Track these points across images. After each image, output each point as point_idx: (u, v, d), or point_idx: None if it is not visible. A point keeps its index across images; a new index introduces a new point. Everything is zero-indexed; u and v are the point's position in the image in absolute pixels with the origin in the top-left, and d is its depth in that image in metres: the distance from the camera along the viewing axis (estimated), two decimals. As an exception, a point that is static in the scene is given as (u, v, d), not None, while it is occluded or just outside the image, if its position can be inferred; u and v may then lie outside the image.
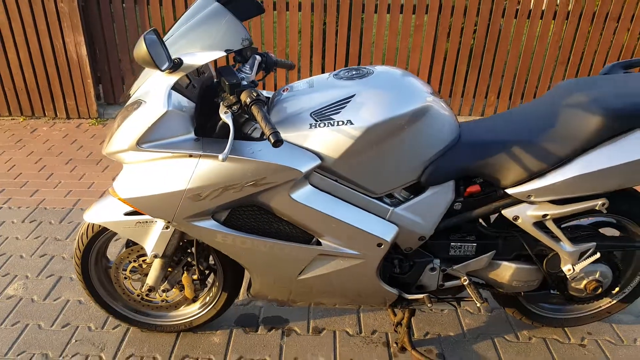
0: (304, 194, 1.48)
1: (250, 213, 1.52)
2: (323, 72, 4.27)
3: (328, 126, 1.42)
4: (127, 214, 1.65)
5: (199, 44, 1.38)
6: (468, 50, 4.12)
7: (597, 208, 1.60)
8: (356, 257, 1.59)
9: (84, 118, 4.22)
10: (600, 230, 1.86)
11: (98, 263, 1.87)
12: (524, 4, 3.96)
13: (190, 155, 1.40)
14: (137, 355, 1.90)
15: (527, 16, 4.00)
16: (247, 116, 1.46)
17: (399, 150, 1.49)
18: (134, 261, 1.80)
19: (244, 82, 1.35)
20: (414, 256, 1.70)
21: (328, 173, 1.49)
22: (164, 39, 1.43)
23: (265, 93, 1.71)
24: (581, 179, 1.52)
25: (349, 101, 1.44)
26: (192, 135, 1.42)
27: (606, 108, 1.49)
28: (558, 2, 3.96)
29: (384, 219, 1.57)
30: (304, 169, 1.41)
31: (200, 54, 1.35)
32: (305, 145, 1.44)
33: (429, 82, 4.29)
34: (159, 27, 3.99)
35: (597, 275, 1.77)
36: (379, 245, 1.56)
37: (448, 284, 1.76)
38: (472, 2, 3.92)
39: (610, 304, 1.99)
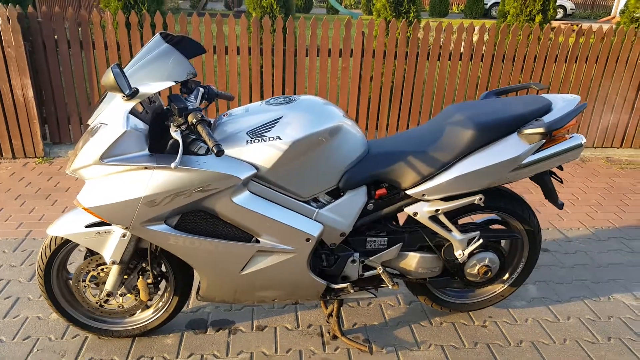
0: (244, 198, 1.80)
1: (198, 217, 1.82)
2: (261, 109, 4.63)
3: (261, 142, 1.77)
4: (87, 225, 1.90)
5: (152, 77, 1.70)
6: (389, 89, 4.66)
7: (476, 202, 2.03)
8: (289, 252, 1.91)
9: (30, 157, 4.32)
10: (491, 227, 2.30)
11: (59, 274, 2.06)
12: (434, 48, 4.58)
13: (146, 167, 1.69)
14: (97, 358, 2.09)
15: (437, 58, 4.61)
16: (193, 137, 1.79)
17: (319, 161, 1.86)
18: (93, 270, 2.02)
19: (190, 107, 1.68)
20: (337, 251, 2.05)
21: (263, 181, 1.83)
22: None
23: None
24: (460, 179, 1.94)
25: (277, 122, 1.81)
26: (146, 151, 1.71)
27: (477, 123, 1.95)
28: (462, 46, 4.62)
29: (311, 218, 1.92)
30: (243, 176, 1.74)
31: (153, 84, 1.67)
32: (243, 158, 1.78)
33: (356, 117, 4.77)
34: (104, 70, 4.24)
35: (486, 261, 2.18)
36: (308, 240, 1.90)
37: (367, 273, 2.11)
38: (390, 47, 4.48)
39: (503, 289, 2.41)
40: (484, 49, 4.62)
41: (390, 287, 2.09)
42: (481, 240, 2.10)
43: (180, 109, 1.65)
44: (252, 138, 1.78)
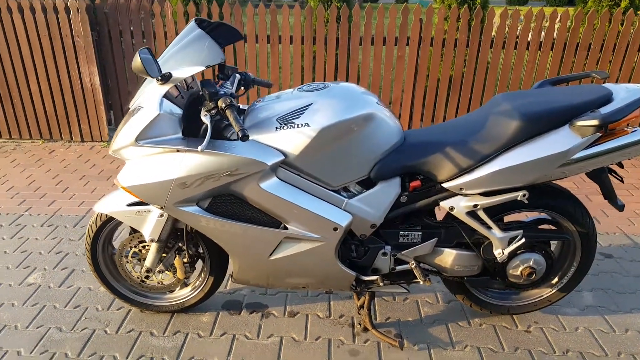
0: (271, 184, 1.81)
1: (228, 201, 1.85)
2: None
3: (290, 128, 1.77)
4: (129, 204, 1.99)
5: (185, 61, 1.74)
6: (447, 79, 4.48)
7: (518, 199, 1.88)
8: (317, 240, 1.90)
9: (96, 141, 4.65)
10: (540, 227, 2.14)
11: (105, 249, 2.20)
12: (498, 36, 4.33)
13: (178, 150, 1.74)
14: (137, 330, 2.21)
15: (501, 46, 4.36)
16: (226, 122, 1.81)
17: (349, 149, 1.82)
18: (135, 247, 2.13)
19: (221, 92, 1.71)
20: (368, 242, 2.00)
21: (291, 168, 1.82)
22: (160, 58, 1.80)
23: (242, 106, 2.08)
24: (502, 173, 1.81)
25: (307, 108, 1.79)
26: (179, 135, 1.76)
27: (523, 113, 1.79)
28: (530, 34, 4.33)
29: (340, 208, 1.89)
30: (270, 162, 1.75)
31: (185, 69, 1.72)
32: (272, 144, 1.78)
33: (411, 108, 4.64)
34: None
35: (531, 263, 2.03)
36: (335, 229, 1.87)
37: (399, 267, 2.05)
38: (450, 35, 4.31)
39: (550, 293, 2.23)
40: (555, 36, 4.30)
41: (421, 282, 2.01)
42: (523, 240, 1.96)
43: (210, 94, 1.68)
44: (281, 124, 1.78)
